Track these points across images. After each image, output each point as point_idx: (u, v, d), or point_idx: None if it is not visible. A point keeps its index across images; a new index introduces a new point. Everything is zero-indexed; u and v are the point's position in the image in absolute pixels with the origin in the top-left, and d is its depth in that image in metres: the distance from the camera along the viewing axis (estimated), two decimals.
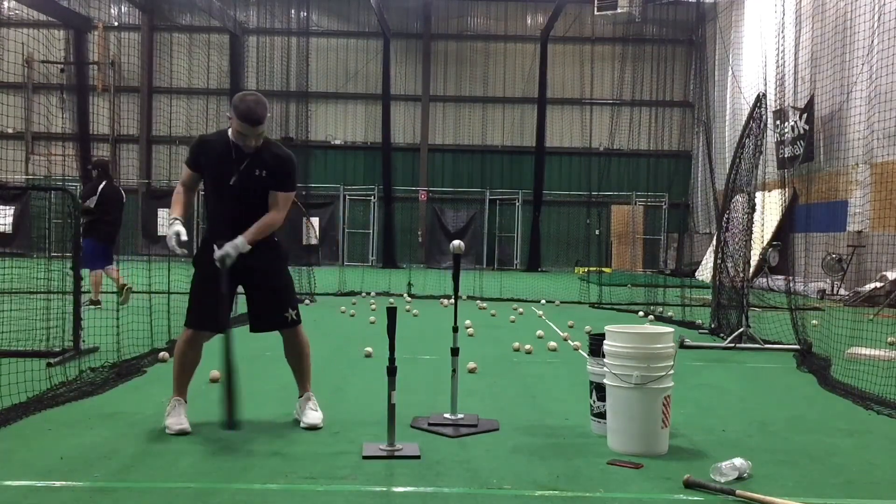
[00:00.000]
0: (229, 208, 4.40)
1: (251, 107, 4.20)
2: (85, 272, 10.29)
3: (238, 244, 4.26)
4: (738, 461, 3.67)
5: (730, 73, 22.22)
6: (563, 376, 6.48)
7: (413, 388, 5.60)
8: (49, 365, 5.85)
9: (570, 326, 9.77)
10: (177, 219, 4.36)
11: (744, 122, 8.91)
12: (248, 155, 4.35)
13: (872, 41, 13.01)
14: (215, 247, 4.27)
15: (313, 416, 4.54)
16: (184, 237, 4.27)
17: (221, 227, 4.39)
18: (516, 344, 7.88)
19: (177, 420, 4.29)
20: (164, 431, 4.27)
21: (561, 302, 13.45)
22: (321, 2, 26.85)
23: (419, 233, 26.96)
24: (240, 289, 4.66)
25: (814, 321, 9.83)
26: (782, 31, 12.19)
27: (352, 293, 14.14)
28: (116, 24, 27.46)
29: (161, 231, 25.01)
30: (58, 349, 6.49)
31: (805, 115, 17.26)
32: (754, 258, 12.44)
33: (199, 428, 4.39)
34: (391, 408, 4.00)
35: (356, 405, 5.17)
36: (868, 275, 14.11)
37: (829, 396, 5.84)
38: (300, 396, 4.64)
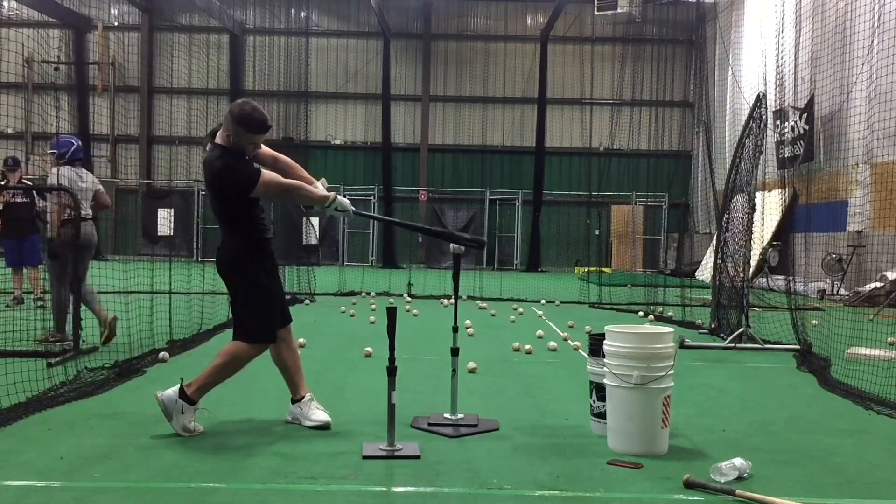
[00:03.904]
0: (262, 205, 4.56)
1: (259, 118, 4.29)
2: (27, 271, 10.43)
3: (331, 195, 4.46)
4: (738, 461, 3.67)
5: (730, 73, 22.22)
6: (563, 376, 6.47)
7: (413, 388, 5.60)
8: (49, 365, 5.85)
9: (570, 326, 9.77)
10: (330, 191, 4.44)
11: (744, 122, 8.91)
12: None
13: (872, 41, 13.01)
14: (328, 207, 4.40)
15: (323, 414, 4.54)
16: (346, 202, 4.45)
17: (265, 228, 4.52)
18: (516, 344, 7.88)
19: (196, 424, 4.30)
20: (163, 431, 4.25)
21: (561, 302, 13.45)
22: (321, 2, 26.85)
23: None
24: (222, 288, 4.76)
25: (814, 321, 9.83)
26: (782, 31, 12.19)
27: (352, 293, 14.14)
28: (116, 24, 27.46)
29: (161, 231, 25.00)
30: (58, 349, 6.49)
31: (805, 115, 17.26)
32: (754, 258, 12.44)
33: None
34: (391, 408, 4.00)
35: (356, 405, 5.17)
36: (868, 275, 14.11)
37: (829, 396, 5.84)
38: (301, 399, 4.59)
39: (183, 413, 4.24)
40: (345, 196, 4.75)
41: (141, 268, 8.15)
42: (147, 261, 9.46)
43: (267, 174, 4.34)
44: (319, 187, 4.48)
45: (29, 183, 10.53)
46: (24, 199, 10.11)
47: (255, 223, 4.46)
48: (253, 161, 4.56)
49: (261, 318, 4.39)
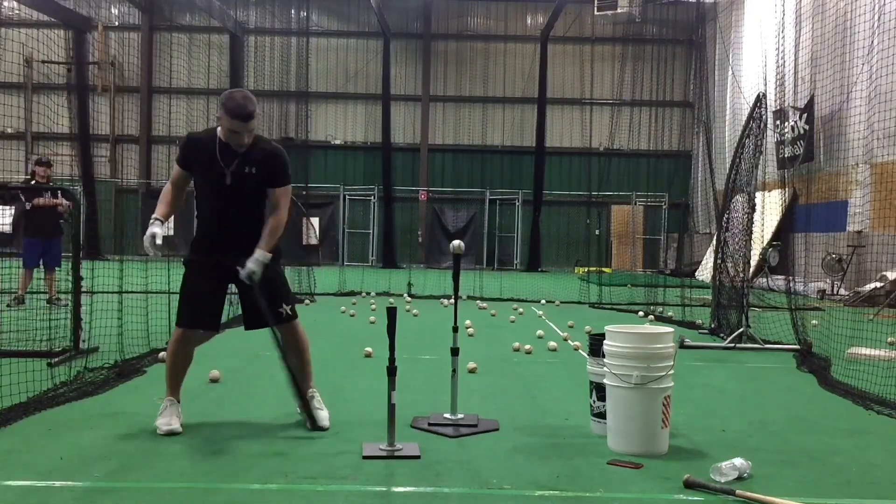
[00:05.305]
0: (221, 207, 4.41)
1: (241, 103, 4.17)
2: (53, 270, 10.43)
3: (259, 258, 4.31)
4: (738, 461, 3.67)
5: (730, 73, 22.22)
6: (563, 376, 6.47)
7: (413, 388, 5.60)
8: (50, 365, 5.85)
9: (570, 326, 9.76)
10: (157, 219, 4.36)
11: (744, 122, 8.91)
12: (239, 153, 4.33)
13: (872, 41, 13.01)
14: (238, 268, 4.30)
15: (321, 416, 4.51)
16: (159, 240, 4.30)
17: (212, 227, 4.46)
18: (516, 344, 7.88)
19: (167, 420, 4.29)
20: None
21: (561, 302, 13.45)
22: (321, 2, 26.85)
23: (419, 233, 26.96)
24: (232, 288, 4.64)
25: (814, 321, 9.83)
26: (782, 31, 12.20)
27: (352, 293, 14.14)
28: (116, 24, 27.46)
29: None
30: (58, 349, 6.49)
31: (805, 115, 17.27)
32: (754, 258, 12.44)
33: (199, 428, 4.38)
34: (391, 408, 4.00)
35: (356, 405, 5.17)
36: (868, 275, 14.12)
37: (829, 396, 5.84)
38: (304, 397, 4.59)
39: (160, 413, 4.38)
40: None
41: (140, 268, 8.15)
42: (146, 260, 9.43)
43: (174, 175, 4.45)
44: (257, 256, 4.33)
45: (52, 185, 10.55)
46: (50, 200, 10.17)
47: (201, 217, 4.49)
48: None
49: (183, 304, 4.44)
